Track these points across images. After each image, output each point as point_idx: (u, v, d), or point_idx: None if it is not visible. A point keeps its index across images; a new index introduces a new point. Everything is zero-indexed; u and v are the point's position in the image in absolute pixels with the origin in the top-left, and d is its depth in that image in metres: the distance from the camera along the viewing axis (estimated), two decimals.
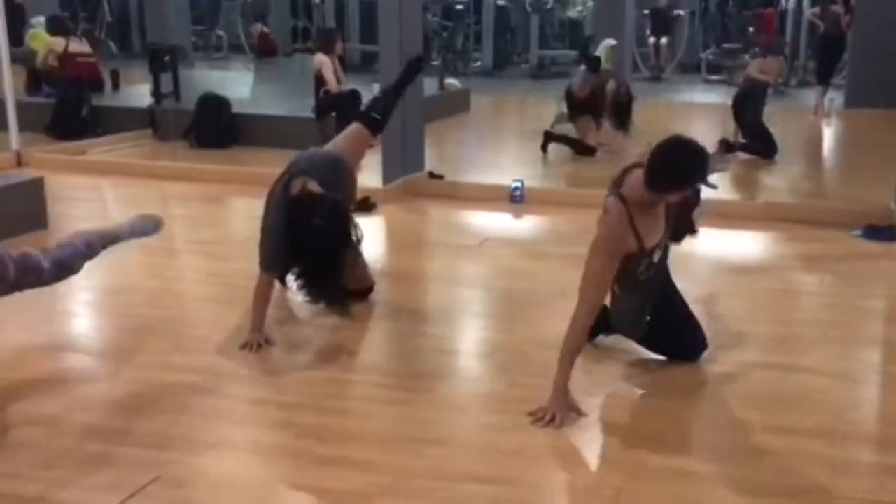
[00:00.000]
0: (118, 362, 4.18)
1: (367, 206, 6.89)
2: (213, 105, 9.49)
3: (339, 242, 4.26)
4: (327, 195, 4.28)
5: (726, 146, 8.38)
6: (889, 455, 3.45)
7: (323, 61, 9.04)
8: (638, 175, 3.59)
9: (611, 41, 10.99)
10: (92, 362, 4.18)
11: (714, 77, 16.01)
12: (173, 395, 3.82)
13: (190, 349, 4.34)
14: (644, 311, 4.01)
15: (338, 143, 4.89)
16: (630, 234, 3.65)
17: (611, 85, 9.17)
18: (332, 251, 4.22)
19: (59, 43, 10.75)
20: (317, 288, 4.29)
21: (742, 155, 8.81)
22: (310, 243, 4.19)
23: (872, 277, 5.65)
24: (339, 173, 4.59)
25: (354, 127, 4.92)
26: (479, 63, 17.53)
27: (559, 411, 3.57)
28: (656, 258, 3.85)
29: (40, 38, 11.34)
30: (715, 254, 6.21)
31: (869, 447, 3.53)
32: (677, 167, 3.54)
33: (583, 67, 9.59)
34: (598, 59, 9.78)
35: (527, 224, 7.05)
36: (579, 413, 3.61)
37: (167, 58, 10.35)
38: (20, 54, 11.11)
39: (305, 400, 3.94)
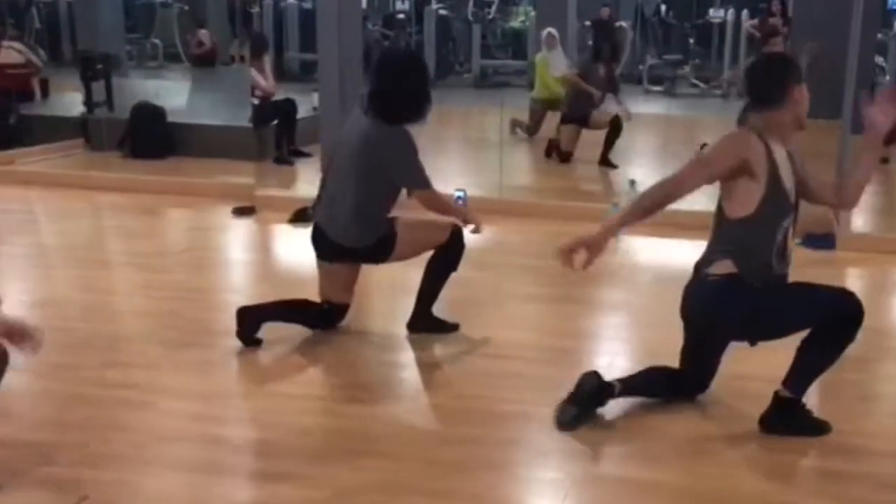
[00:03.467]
0: (47, 378, 4.03)
1: (305, 216, 6.76)
2: (148, 114, 9.30)
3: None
4: None
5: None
6: (828, 460, 3.47)
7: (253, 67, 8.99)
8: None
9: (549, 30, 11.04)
10: (19, 378, 4.02)
11: (655, 88, 16.15)
12: (105, 412, 3.69)
13: (123, 364, 4.21)
14: None
15: None
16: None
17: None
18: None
19: None
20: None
21: None
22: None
23: None
24: None
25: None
26: None
27: (591, 249, 3.36)
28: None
29: None
30: (655, 263, 6.23)
31: (809, 452, 3.54)
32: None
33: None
34: None
35: (469, 233, 6.99)
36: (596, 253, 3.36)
37: (99, 66, 10.11)
38: None
39: (243, 414, 3.85)
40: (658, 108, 13.45)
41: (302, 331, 4.57)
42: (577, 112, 9.27)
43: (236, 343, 4.53)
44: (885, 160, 9.32)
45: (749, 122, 3.62)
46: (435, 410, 3.87)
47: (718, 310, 3.53)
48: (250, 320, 4.37)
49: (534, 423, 3.70)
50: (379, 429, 3.63)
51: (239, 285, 5.77)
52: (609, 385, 3.68)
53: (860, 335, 3.53)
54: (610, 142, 9.16)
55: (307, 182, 7.54)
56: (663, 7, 19.22)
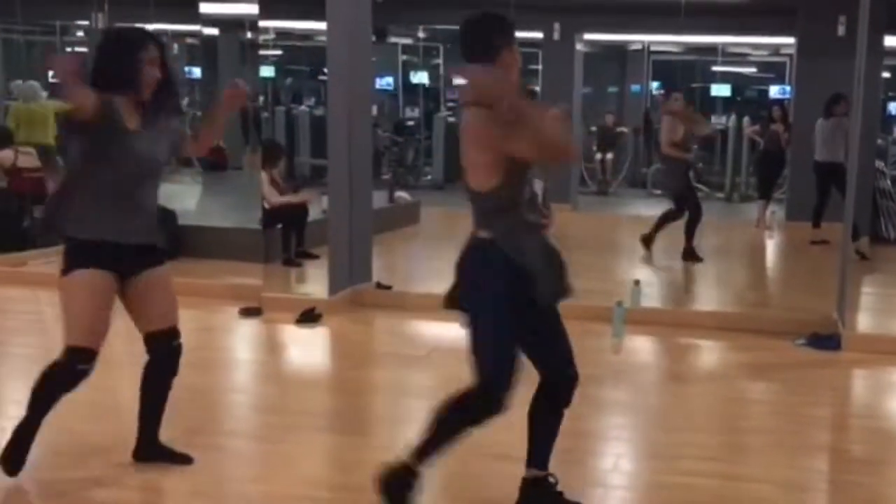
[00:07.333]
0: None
1: (312, 317, 6.82)
2: (160, 216, 9.39)
3: None
4: None
5: None
6: None
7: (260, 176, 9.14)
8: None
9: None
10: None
11: (659, 191, 16.28)
12: None
13: (128, 464, 4.17)
14: None
15: None
16: None
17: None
18: None
19: (6, 157, 10.63)
20: None
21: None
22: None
23: (818, 385, 5.66)
24: None
25: None
26: (429, 177, 17.73)
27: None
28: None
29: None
30: (661, 362, 6.22)
31: None
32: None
33: None
34: None
35: None
36: None
37: None
38: None
39: None
40: (661, 211, 13.51)
41: (305, 428, 4.54)
42: None
43: (240, 441, 4.51)
44: (863, 257, 8.88)
45: None
46: None
47: None
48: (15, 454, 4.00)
49: None
50: None
51: (243, 385, 5.75)
52: (408, 471, 3.60)
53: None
54: None
55: (315, 283, 7.60)
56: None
